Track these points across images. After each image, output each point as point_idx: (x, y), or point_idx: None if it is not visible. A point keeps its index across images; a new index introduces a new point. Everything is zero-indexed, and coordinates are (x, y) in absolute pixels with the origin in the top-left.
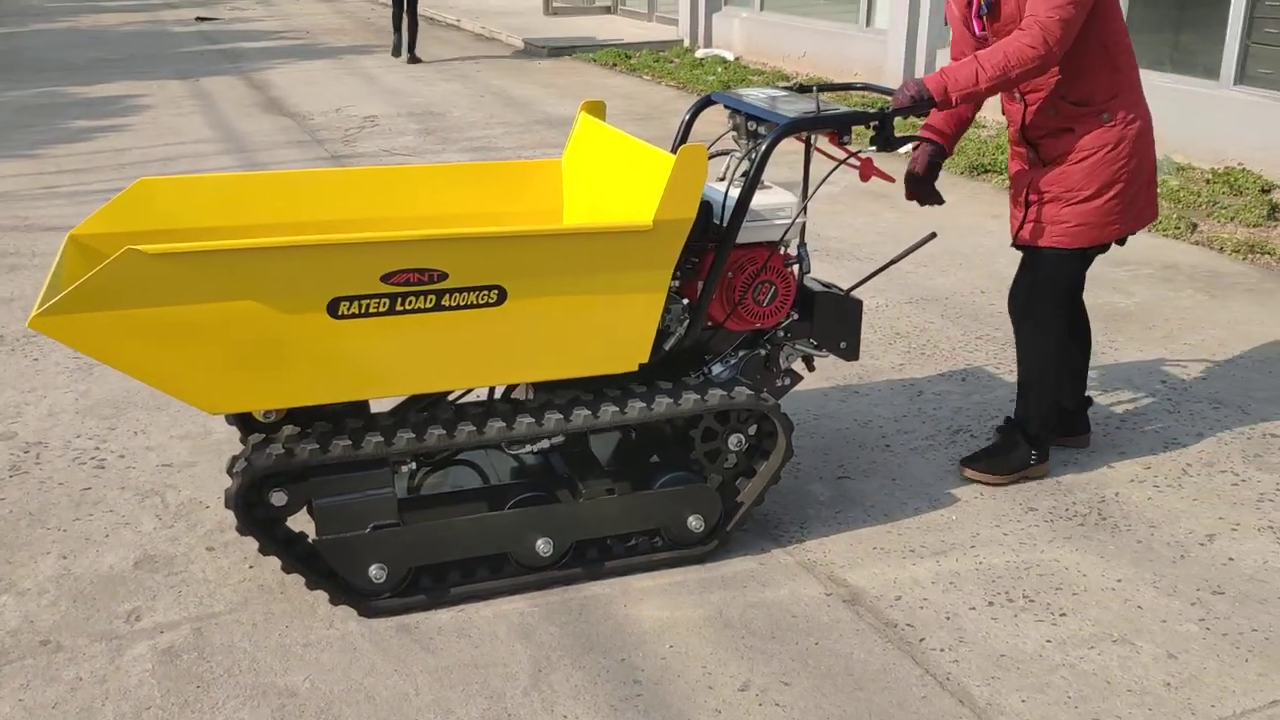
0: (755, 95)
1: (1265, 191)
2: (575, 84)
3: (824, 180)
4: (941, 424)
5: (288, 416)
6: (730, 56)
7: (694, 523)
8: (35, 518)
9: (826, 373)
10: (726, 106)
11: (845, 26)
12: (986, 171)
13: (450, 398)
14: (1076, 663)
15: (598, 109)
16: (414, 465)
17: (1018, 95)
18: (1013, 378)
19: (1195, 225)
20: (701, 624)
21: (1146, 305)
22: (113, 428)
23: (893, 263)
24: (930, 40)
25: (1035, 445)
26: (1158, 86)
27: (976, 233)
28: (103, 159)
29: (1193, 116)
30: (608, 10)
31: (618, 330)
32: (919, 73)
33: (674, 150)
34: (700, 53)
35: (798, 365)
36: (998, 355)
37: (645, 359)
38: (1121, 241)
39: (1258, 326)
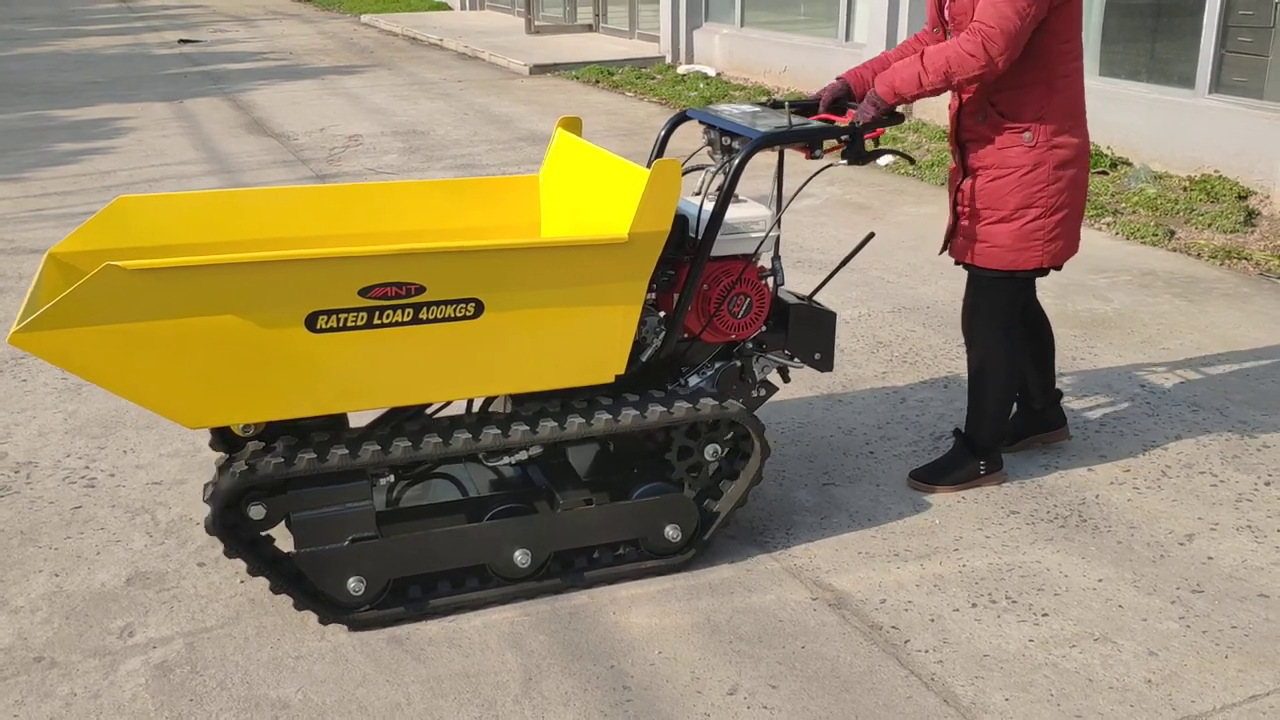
0: (729, 111)
1: (1241, 198)
2: (558, 101)
3: (796, 194)
4: (924, 430)
5: (266, 431)
6: (712, 72)
7: (671, 532)
8: (27, 536)
9: (811, 382)
10: (701, 122)
11: (825, 41)
12: None
13: (429, 410)
14: (1059, 661)
15: (574, 125)
16: (392, 478)
17: (957, 90)
18: None
19: (1173, 232)
20: (689, 630)
21: (1125, 311)
22: (102, 447)
23: (839, 268)
24: None
25: (983, 457)
26: (1134, 96)
27: None
28: (88, 181)
29: (1169, 125)
30: (589, 28)
31: (594, 342)
32: None
33: (649, 165)
34: (682, 69)
35: (773, 376)
36: None
37: (621, 371)
38: (1043, 273)
39: (1235, 331)
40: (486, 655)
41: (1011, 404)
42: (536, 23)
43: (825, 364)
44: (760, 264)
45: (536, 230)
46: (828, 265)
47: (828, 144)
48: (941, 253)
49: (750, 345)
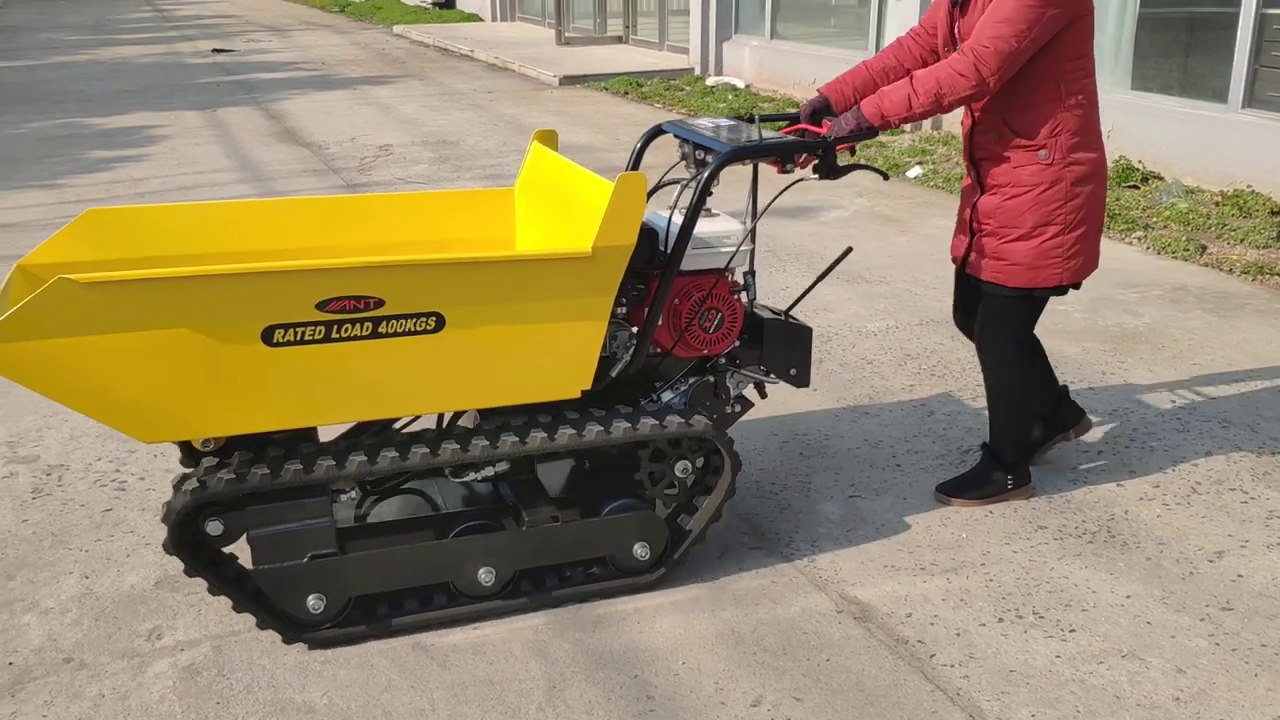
0: (703, 124)
1: (1275, 213)
2: (587, 112)
3: (767, 208)
4: (952, 444)
5: (228, 446)
6: (741, 84)
7: (640, 551)
8: (58, 538)
9: (838, 394)
10: (676, 136)
11: (854, 53)
12: None
13: (397, 425)
14: (1086, 678)
15: (549, 138)
16: (357, 493)
17: (970, 109)
18: None
19: (1204, 247)
20: (714, 640)
21: (1156, 326)
22: (132, 450)
23: (816, 282)
24: None
25: (1010, 471)
26: (1167, 110)
27: None
28: (121, 188)
29: (1202, 139)
30: (619, 40)
31: (560, 357)
32: None
33: None
34: (711, 81)
35: (750, 392)
36: None
37: (588, 386)
38: (1062, 291)
39: (1266, 347)
40: (510, 662)
41: (1032, 417)
42: (567, 34)
43: (801, 380)
44: (733, 279)
45: (511, 243)
46: (856, 278)
47: (800, 158)
48: (962, 269)
49: (723, 361)
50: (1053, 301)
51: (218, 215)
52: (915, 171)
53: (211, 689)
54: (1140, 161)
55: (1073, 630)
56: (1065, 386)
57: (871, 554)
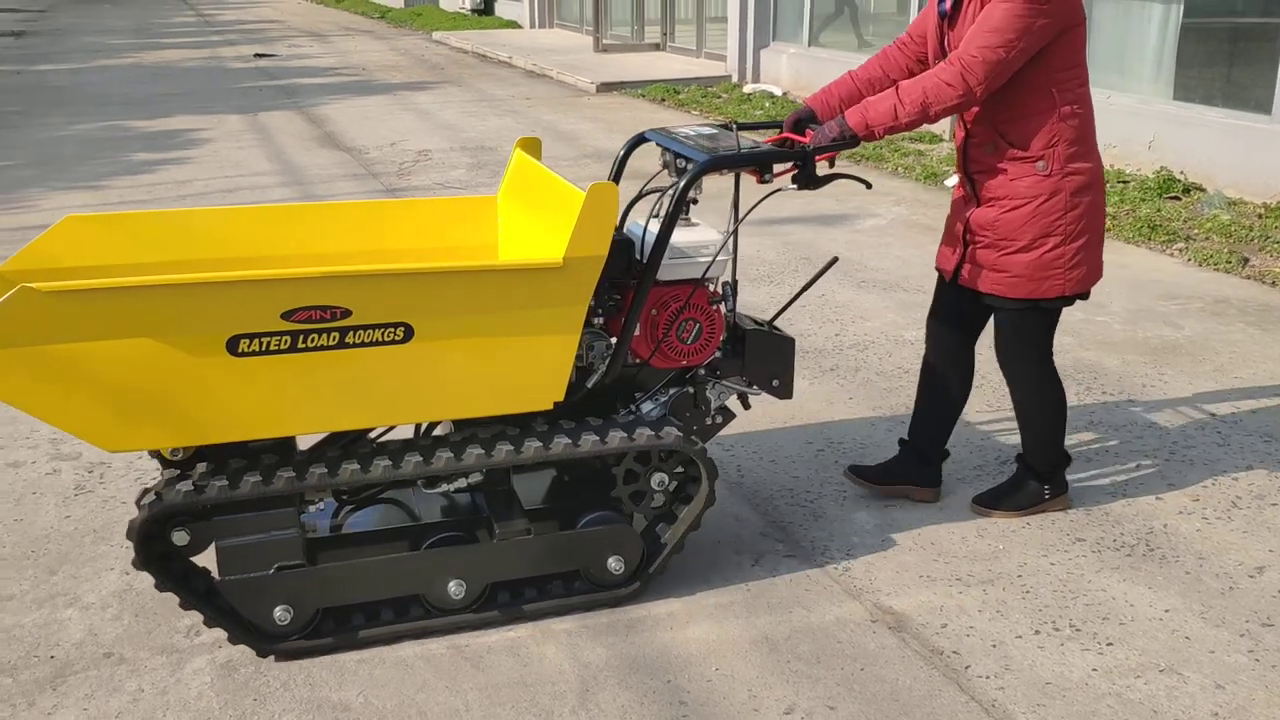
0: (685, 133)
1: None
2: (623, 119)
3: (744, 218)
4: (989, 454)
5: (196, 455)
6: (778, 91)
7: (614, 564)
8: (99, 535)
9: (875, 403)
10: (659, 144)
11: None
12: None
13: (373, 435)
14: (1123, 691)
15: (532, 146)
16: (324, 504)
17: (962, 122)
18: None
19: (1246, 259)
20: (747, 647)
21: (1197, 339)
22: None
23: (802, 292)
24: None
25: (1047, 481)
26: (1209, 121)
27: None
28: (164, 190)
29: (1244, 151)
30: (656, 47)
31: (531, 368)
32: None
33: None
34: (748, 88)
35: (733, 404)
36: None
37: (560, 398)
38: (1069, 301)
39: None
40: (544, 665)
41: (1064, 427)
42: (604, 41)
43: (784, 391)
44: (712, 288)
45: (495, 251)
46: (893, 286)
47: (779, 168)
48: (951, 280)
49: (703, 372)
50: (1092, 312)
51: (200, 222)
52: (954, 180)
53: (249, 685)
54: (1182, 172)
55: (1110, 643)
56: (948, 453)
57: (907, 564)
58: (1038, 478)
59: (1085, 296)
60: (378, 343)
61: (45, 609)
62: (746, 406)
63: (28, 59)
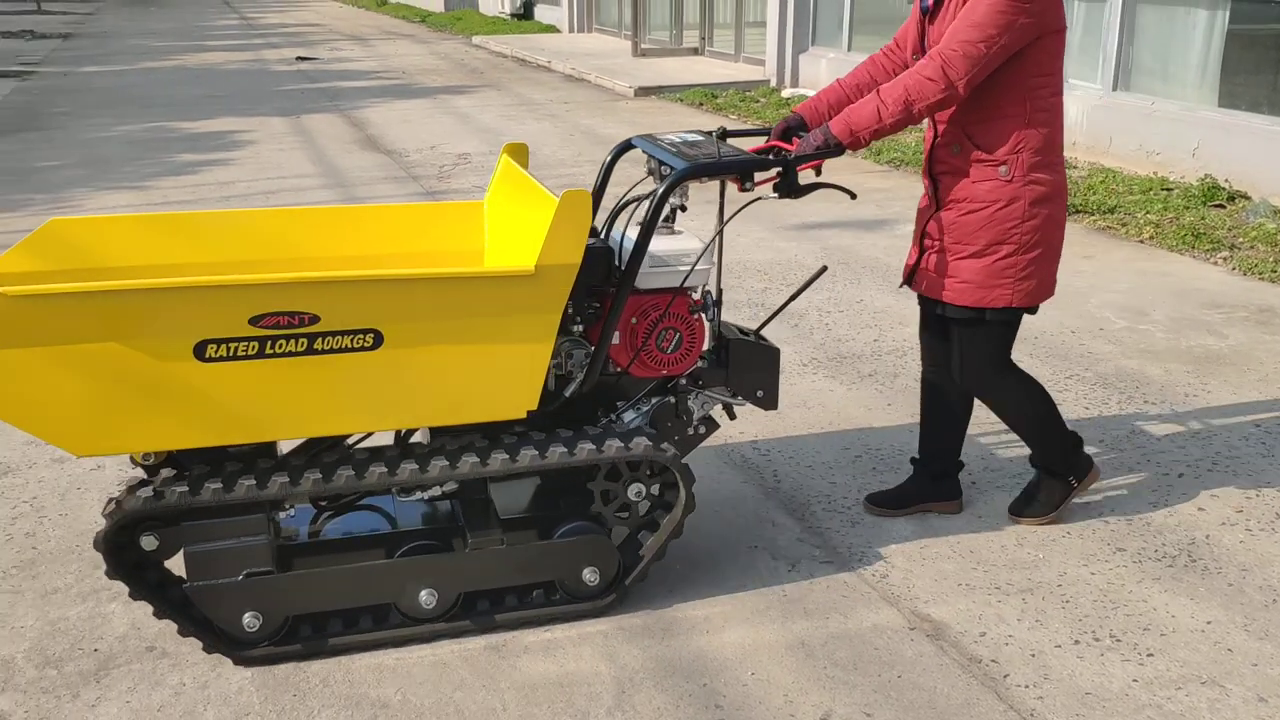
0: (669, 139)
1: None
2: (661, 123)
3: (723, 227)
4: (1026, 459)
5: (169, 459)
6: None
7: (589, 575)
8: None
9: (913, 409)
10: (644, 151)
11: None
12: (1078, 211)
13: (350, 441)
14: (1164, 703)
15: (519, 151)
16: (307, 508)
17: (933, 122)
18: (1101, 418)
19: None
20: (783, 652)
21: (1241, 348)
22: None
23: (788, 302)
24: None
25: (1070, 471)
26: (1255, 128)
27: (1065, 272)
28: (208, 191)
29: None
30: (695, 52)
31: (504, 377)
32: None
33: (594, 194)
34: (787, 92)
35: (718, 413)
36: (1088, 395)
37: (534, 406)
38: (1016, 314)
39: None
40: (580, 665)
41: (1058, 419)
42: (643, 46)
43: (768, 402)
44: (694, 297)
45: (481, 257)
46: None
47: (761, 176)
48: (902, 286)
49: (684, 381)
50: (1135, 320)
51: (183, 226)
52: None
53: (289, 681)
54: (1226, 180)
55: (1150, 655)
56: (963, 463)
57: (945, 571)
58: (1056, 473)
59: (1033, 311)
60: (347, 349)
61: (89, 602)
62: (732, 417)
63: (75, 60)
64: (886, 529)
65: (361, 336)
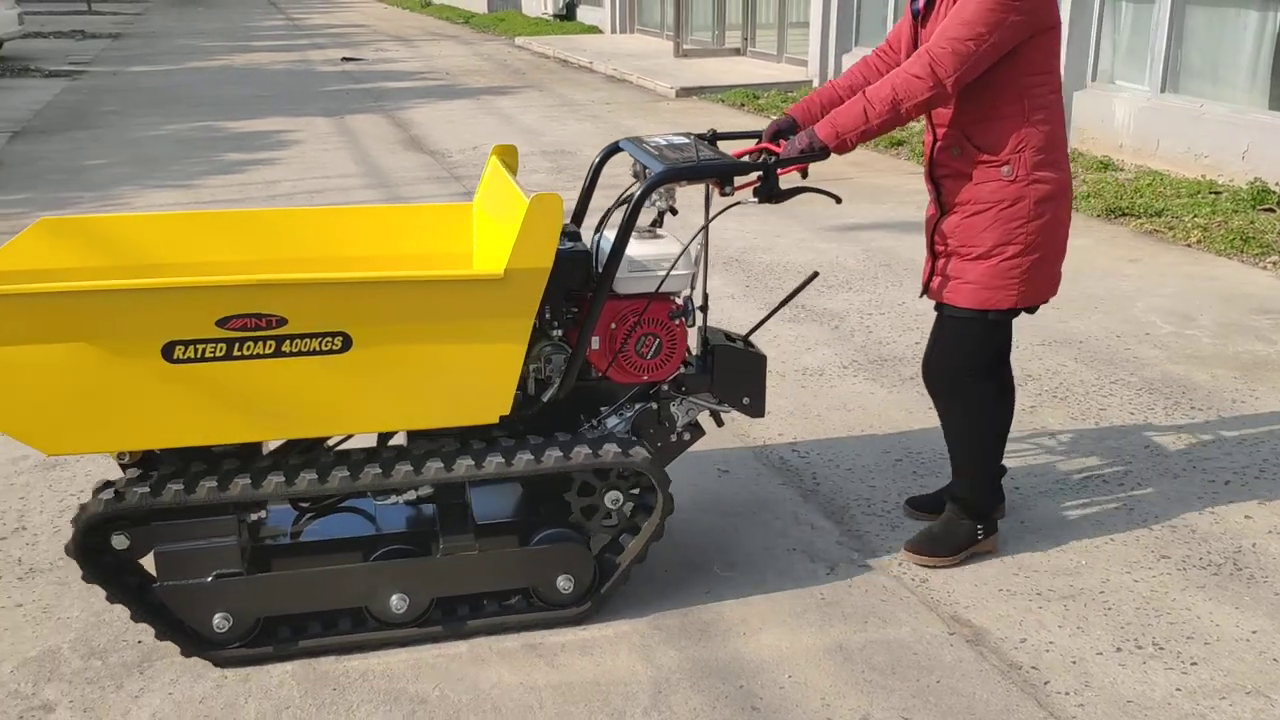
0: (655, 142)
1: None
2: (701, 123)
3: (699, 233)
4: (1072, 468)
5: (145, 458)
6: None
7: (564, 584)
8: None
9: None
10: (629, 154)
11: None
12: (1124, 214)
13: (330, 443)
14: (1207, 713)
15: (509, 153)
16: (264, 513)
17: (931, 125)
18: (1146, 424)
19: None
20: (821, 655)
21: None
22: None
23: (779, 307)
24: (1068, 82)
25: (979, 520)
26: None
27: (1113, 276)
28: (254, 190)
29: None
30: (737, 52)
31: (475, 381)
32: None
33: (582, 196)
34: None
35: (706, 420)
36: (1133, 400)
37: (506, 411)
38: (1016, 314)
39: None
40: (617, 665)
41: (999, 455)
42: (685, 46)
43: (755, 409)
44: (675, 303)
45: (469, 259)
46: None
47: (741, 180)
48: (922, 296)
49: (666, 388)
50: (1181, 325)
51: (173, 226)
52: None
53: (328, 675)
54: (1277, 183)
55: (1194, 663)
56: (1005, 468)
57: (985, 576)
58: (970, 515)
59: (1033, 310)
60: (315, 352)
61: None
62: (720, 424)
63: (124, 60)
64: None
65: (330, 339)
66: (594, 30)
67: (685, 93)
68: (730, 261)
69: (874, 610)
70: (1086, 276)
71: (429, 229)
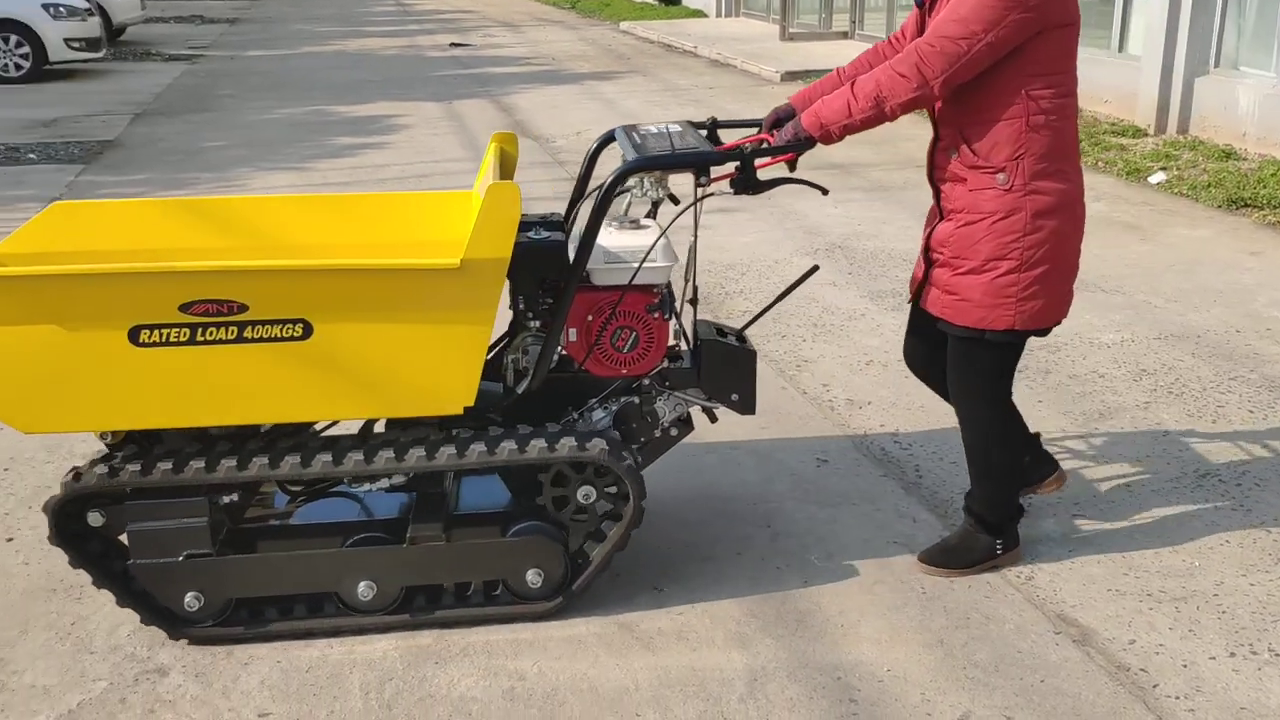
0: (645, 130)
1: None
2: None
3: (670, 224)
4: (1187, 467)
5: (127, 438)
6: None
7: (533, 577)
8: None
9: (1065, 406)
10: (618, 143)
11: (1094, 52)
12: (1247, 205)
13: (317, 427)
14: None
15: (509, 141)
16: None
17: (932, 123)
18: (1265, 424)
19: None
20: (921, 649)
21: None
22: None
23: (776, 301)
24: (1189, 68)
25: (999, 534)
26: None
27: (1234, 269)
28: (363, 173)
29: None
30: (844, 35)
31: (437, 371)
32: (1174, 102)
33: (577, 185)
34: None
35: (698, 416)
36: (1252, 398)
37: (470, 402)
38: (1021, 337)
39: None
40: (713, 651)
41: (1016, 475)
42: (790, 30)
43: (744, 406)
44: (656, 295)
45: (461, 247)
46: (1090, 286)
47: (718, 171)
48: (911, 301)
49: (648, 382)
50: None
51: (183, 211)
52: (1158, 177)
53: (430, 650)
54: None
55: None
56: (1036, 434)
57: (1094, 575)
58: (988, 530)
59: (1044, 333)
60: (276, 338)
61: None
62: (712, 419)
63: (240, 45)
64: (1033, 529)
65: (290, 326)
66: (699, 15)
67: (790, 76)
68: (833, 248)
69: (977, 606)
70: (1206, 269)
71: (433, 216)
